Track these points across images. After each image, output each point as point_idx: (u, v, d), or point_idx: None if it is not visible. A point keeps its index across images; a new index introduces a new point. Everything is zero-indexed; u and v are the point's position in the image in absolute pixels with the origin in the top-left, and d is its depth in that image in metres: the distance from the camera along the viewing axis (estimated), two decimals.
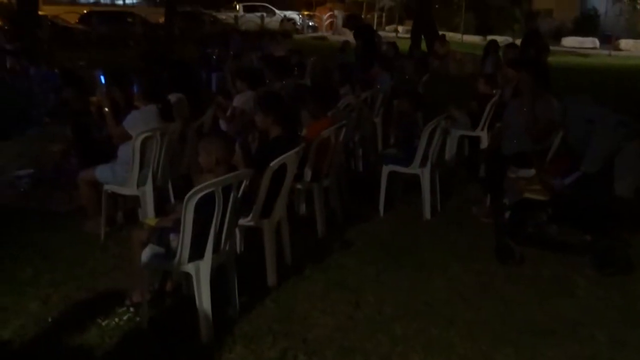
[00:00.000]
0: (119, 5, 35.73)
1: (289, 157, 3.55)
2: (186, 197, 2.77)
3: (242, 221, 3.58)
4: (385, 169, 4.99)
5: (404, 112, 5.18)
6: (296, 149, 3.62)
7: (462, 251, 4.27)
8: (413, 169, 4.88)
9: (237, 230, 3.84)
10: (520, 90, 5.06)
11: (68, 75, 7.80)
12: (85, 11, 24.66)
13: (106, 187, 4.24)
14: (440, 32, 18.93)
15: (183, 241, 2.87)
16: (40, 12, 18.53)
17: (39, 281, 3.65)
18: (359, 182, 5.72)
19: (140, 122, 4.05)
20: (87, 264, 3.92)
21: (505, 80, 6.98)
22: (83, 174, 4.33)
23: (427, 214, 4.94)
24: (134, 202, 4.49)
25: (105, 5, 35.73)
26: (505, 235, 4.11)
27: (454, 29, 30.55)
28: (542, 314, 3.48)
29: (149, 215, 4.23)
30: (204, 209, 2.85)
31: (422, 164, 4.86)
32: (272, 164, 3.43)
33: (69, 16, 23.13)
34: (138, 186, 4.19)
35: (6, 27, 17.53)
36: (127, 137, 4.12)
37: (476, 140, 6.37)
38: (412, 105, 5.10)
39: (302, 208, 4.87)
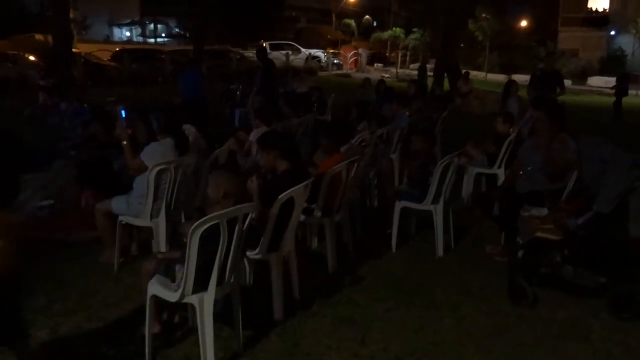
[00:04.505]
0: (150, 44, 36.96)
1: (297, 191, 3.58)
2: (191, 229, 2.81)
3: (251, 254, 3.60)
4: (398, 205, 4.98)
5: (418, 150, 5.19)
6: (304, 183, 3.66)
7: (474, 291, 4.20)
8: (426, 206, 4.86)
9: (246, 263, 3.88)
10: (538, 129, 5.05)
11: (96, 110, 8.07)
12: (117, 49, 25.49)
13: (121, 218, 4.32)
14: (464, 71, 19.09)
15: (187, 273, 2.90)
16: (74, 50, 19.29)
17: (50, 310, 3.71)
18: (373, 218, 5.71)
19: (157, 154, 4.15)
20: (100, 295, 3.98)
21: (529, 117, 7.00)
22: (100, 205, 4.43)
23: (440, 252, 4.90)
24: (149, 234, 4.56)
25: (138, 43, 36.97)
26: (518, 275, 4.02)
27: (479, 68, 30.76)
28: (555, 358, 3.38)
29: (161, 247, 4.29)
30: (210, 241, 2.88)
31: (435, 200, 4.84)
32: (280, 197, 3.47)
33: (102, 54, 23.97)
34: (152, 218, 4.26)
35: (41, 64, 18.26)
36: (144, 169, 4.22)
37: (494, 178, 6.33)
38: (427, 143, 5.11)
39: (315, 243, 4.89)
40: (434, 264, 4.74)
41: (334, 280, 4.33)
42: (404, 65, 33.23)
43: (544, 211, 4.18)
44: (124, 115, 4.34)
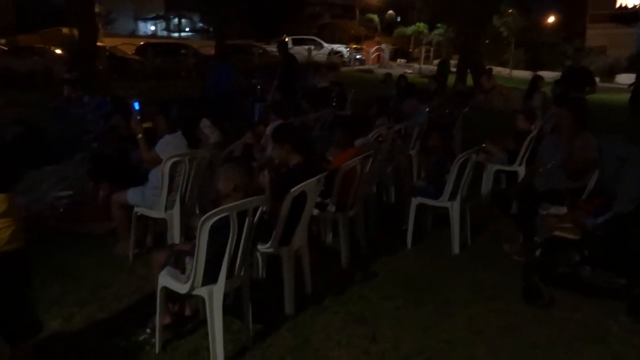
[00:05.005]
0: (174, 38, 37.22)
1: (309, 185, 3.56)
2: (200, 221, 2.81)
3: (262, 247, 3.60)
4: (414, 201, 4.92)
5: (435, 146, 5.12)
6: (317, 177, 3.63)
7: (488, 289, 4.13)
8: (442, 202, 4.80)
9: (258, 256, 3.87)
10: (559, 126, 4.95)
11: (117, 103, 8.15)
12: (141, 43, 25.71)
13: (136, 209, 4.36)
14: (488, 66, 18.80)
15: (196, 265, 2.90)
16: (100, 44, 19.51)
17: (64, 300, 3.76)
18: (389, 214, 5.66)
19: (170, 146, 4.17)
20: (113, 286, 4.02)
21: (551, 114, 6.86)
22: (115, 196, 4.48)
23: (456, 249, 4.83)
24: (163, 226, 4.59)
25: (162, 37, 37.26)
26: (534, 274, 3.95)
27: (503, 64, 30.28)
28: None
29: (175, 239, 4.31)
30: (219, 233, 2.88)
31: (452, 197, 4.77)
32: (292, 190, 3.45)
33: (127, 47, 24.21)
34: (166, 210, 4.28)
35: (66, 57, 18.52)
36: (158, 161, 4.24)
37: (514, 175, 6.23)
38: (443, 139, 5.04)
39: (329, 237, 4.86)
40: (448, 262, 4.67)
41: (346, 275, 4.30)
42: (427, 60, 32.88)
43: (563, 210, 4.10)
44: (137, 108, 4.36)
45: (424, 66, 30.42)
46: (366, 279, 4.26)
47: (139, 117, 4.35)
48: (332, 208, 4.30)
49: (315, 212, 4.15)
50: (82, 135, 7.90)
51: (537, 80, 10.61)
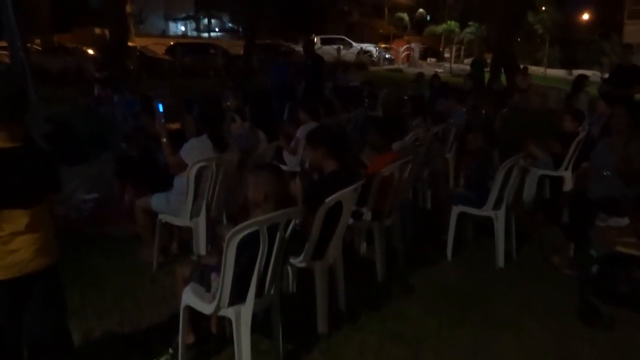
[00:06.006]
0: (204, 38, 37.39)
1: (345, 194, 3.27)
2: (227, 235, 2.56)
3: (294, 261, 3.33)
4: (455, 210, 4.59)
5: (477, 149, 4.77)
6: (354, 186, 3.34)
7: (538, 307, 3.78)
8: (486, 211, 4.45)
9: (289, 270, 3.61)
10: (613, 127, 4.57)
11: (146, 102, 7.99)
12: (172, 43, 25.83)
13: (160, 216, 4.14)
14: (523, 65, 18.22)
15: (223, 283, 2.65)
16: (131, 44, 19.63)
17: (84, 311, 3.56)
18: (426, 222, 5.33)
19: (195, 150, 3.93)
20: (135, 295, 3.81)
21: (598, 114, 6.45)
22: (139, 201, 4.27)
23: (500, 262, 4.48)
24: (189, 233, 4.36)
25: (192, 37, 37.48)
26: (591, 292, 3.59)
27: (537, 62, 29.48)
28: None
29: (201, 248, 4.08)
30: (248, 248, 2.62)
31: (497, 205, 4.43)
32: (326, 200, 3.17)
33: (157, 47, 24.33)
34: (191, 217, 4.05)
35: (97, 57, 18.66)
36: (184, 166, 4.01)
37: (558, 180, 5.84)
38: (487, 141, 4.69)
39: (363, 247, 4.57)
40: (492, 275, 4.33)
41: (382, 290, 4.00)
42: (457, 59, 32.22)
43: (623, 221, 3.72)
44: (161, 110, 4.12)
45: (454, 65, 29.79)
46: (404, 293, 3.95)
47: (163, 120, 4.12)
48: (367, 216, 4.02)
49: (350, 220, 3.86)
50: (110, 134, 7.80)
51: (582, 80, 10.08)
